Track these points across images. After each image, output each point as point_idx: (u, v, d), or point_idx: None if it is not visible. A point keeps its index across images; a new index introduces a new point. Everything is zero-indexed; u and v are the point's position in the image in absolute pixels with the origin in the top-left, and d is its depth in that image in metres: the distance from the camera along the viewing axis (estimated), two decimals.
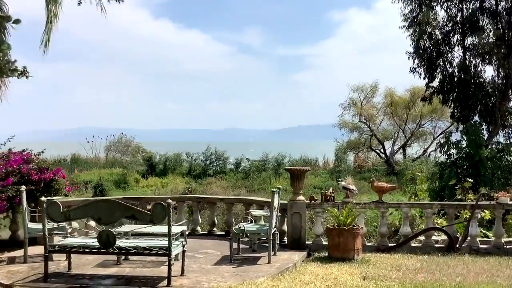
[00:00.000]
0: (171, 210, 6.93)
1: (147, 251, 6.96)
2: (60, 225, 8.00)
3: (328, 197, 9.63)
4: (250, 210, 9.88)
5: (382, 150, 43.92)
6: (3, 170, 9.10)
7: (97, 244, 6.94)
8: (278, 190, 8.77)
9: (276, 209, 8.58)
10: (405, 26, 20.42)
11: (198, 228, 10.84)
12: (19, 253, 8.58)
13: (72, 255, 7.61)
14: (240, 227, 8.40)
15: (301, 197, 9.55)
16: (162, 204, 6.86)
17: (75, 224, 9.72)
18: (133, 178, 37.29)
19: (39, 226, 7.97)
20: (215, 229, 10.79)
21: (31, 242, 8.47)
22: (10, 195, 8.96)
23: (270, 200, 8.57)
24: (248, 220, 9.16)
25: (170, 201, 6.88)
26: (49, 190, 9.75)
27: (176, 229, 7.62)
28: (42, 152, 10.41)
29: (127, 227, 8.09)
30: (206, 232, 10.79)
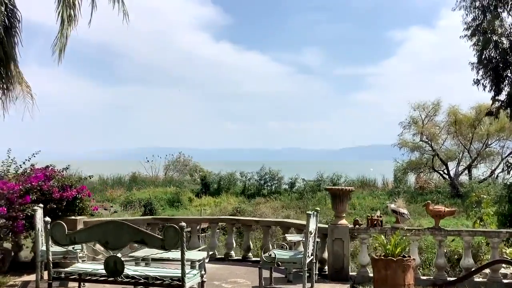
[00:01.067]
0: (185, 234, 5.99)
1: (159, 281, 6.03)
2: (75, 248, 7.27)
3: (375, 222, 8.37)
4: (286, 235, 8.77)
5: (445, 171, 41.40)
6: (20, 187, 8.53)
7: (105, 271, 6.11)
8: (315, 213, 7.65)
9: (312, 235, 7.47)
10: (467, 35, 18.70)
11: (232, 253, 9.84)
12: (34, 277, 7.91)
13: (86, 283, 6.82)
14: (270, 255, 7.34)
15: (343, 221, 8.36)
16: (175, 228, 5.94)
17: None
18: (186, 197, 36.95)
19: (56, 248, 7.26)
20: (250, 254, 9.75)
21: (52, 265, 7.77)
22: (29, 213, 8.34)
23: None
24: (283, 246, 8.07)
25: (183, 224, 5.93)
26: (72, 209, 9.11)
27: (194, 255, 6.67)
28: (67, 168, 9.82)
29: (143, 252, 7.24)
30: (241, 258, 9.78)
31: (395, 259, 7.06)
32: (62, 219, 8.78)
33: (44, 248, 7.71)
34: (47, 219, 6.50)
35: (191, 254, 7.16)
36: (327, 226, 8.50)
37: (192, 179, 51.56)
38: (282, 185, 41.78)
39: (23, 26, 8.55)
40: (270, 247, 9.48)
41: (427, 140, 41.54)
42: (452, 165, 41.01)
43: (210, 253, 9.67)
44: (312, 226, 7.45)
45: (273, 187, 41.67)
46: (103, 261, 6.23)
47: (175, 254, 6.54)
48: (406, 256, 7.31)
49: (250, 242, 9.78)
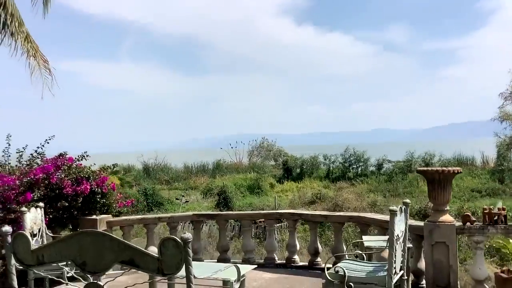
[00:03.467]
0: (190, 249, 3.69)
1: None
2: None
3: (496, 217, 5.55)
4: (363, 238, 6.15)
5: None
6: (16, 181, 6.70)
7: None
8: (403, 208, 5.04)
9: (401, 240, 4.88)
10: None
11: (296, 257, 7.46)
12: None
13: None
14: (337, 271, 4.85)
15: (447, 217, 5.64)
16: (175, 242, 3.65)
17: None
18: (267, 183, 34.91)
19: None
20: (318, 259, 7.30)
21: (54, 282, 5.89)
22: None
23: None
24: (358, 256, 5.54)
25: (188, 235, 3.62)
26: (93, 207, 7.18)
27: (228, 273, 4.37)
28: (85, 156, 7.88)
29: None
30: (307, 264, 7.36)
31: None
32: (80, 220, 6.92)
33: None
34: (6, 228, 4.50)
35: (226, 272, 4.88)
36: (422, 224, 5.82)
37: (276, 164, 49.71)
38: (368, 167, 38.55)
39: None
40: (344, 249, 6.98)
41: None
42: None
43: (269, 256, 7.38)
44: (400, 228, 4.86)
45: (359, 169, 38.57)
46: None
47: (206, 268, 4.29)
48: None
49: (319, 243, 7.32)
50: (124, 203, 7.61)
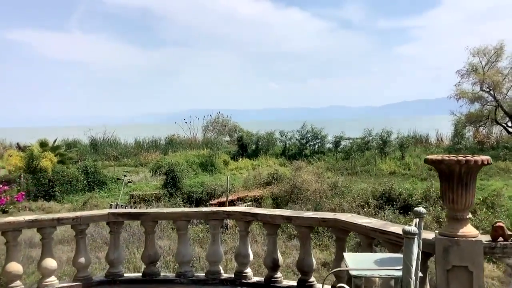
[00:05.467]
0: None
1: None
2: None
3: None
4: (345, 257, 4.09)
5: (510, 124, 35.84)
6: None
7: None
8: (418, 221, 3.14)
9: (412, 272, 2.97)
10: None
11: (248, 270, 5.50)
12: None
13: None
14: None
15: (469, 229, 3.77)
16: None
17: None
18: (221, 160, 32.85)
19: None
20: (278, 274, 5.35)
21: None
22: None
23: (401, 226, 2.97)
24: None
25: None
26: None
27: None
28: None
29: None
30: (262, 280, 5.41)
31: None
32: None
33: None
34: None
35: None
36: (431, 236, 3.94)
37: (231, 140, 47.76)
38: (325, 144, 37.15)
39: None
40: (314, 263, 5.06)
41: (488, 90, 35.86)
42: None
43: (212, 269, 5.40)
44: (415, 253, 2.95)
45: (316, 146, 37.11)
46: None
47: None
48: None
49: (279, 253, 5.37)
50: (9, 198, 5.34)
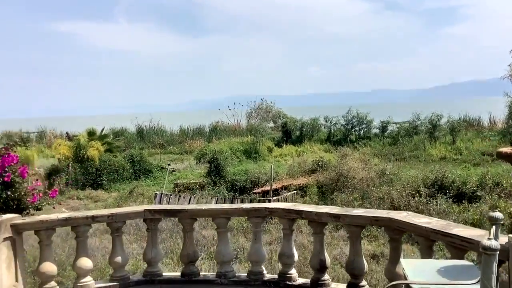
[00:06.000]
0: None
1: None
2: None
3: None
4: (402, 263, 3.59)
5: None
6: None
7: None
8: (494, 229, 2.60)
9: None
10: None
11: (292, 272, 5.07)
12: None
13: None
14: None
15: None
16: None
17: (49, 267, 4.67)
18: (265, 147, 32.47)
19: None
20: (325, 276, 4.90)
21: None
22: None
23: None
24: None
25: None
26: None
27: None
28: None
29: None
30: (309, 282, 4.97)
31: None
32: None
33: None
34: None
35: None
36: (504, 239, 3.37)
37: (275, 126, 47.36)
38: (371, 129, 36.09)
39: None
40: (365, 266, 4.59)
41: None
42: None
43: (254, 270, 5.03)
44: (495, 272, 2.42)
45: (362, 132, 36.11)
46: None
47: None
48: None
49: (326, 254, 4.91)
50: (40, 195, 5.10)
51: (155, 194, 17.23)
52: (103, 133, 29.12)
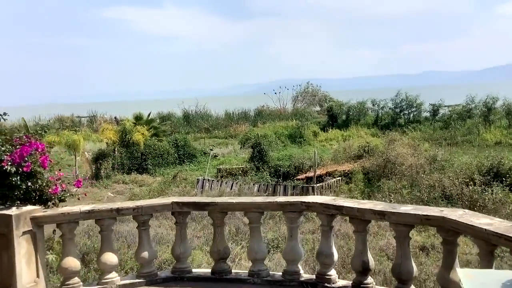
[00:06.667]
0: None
1: None
2: None
3: None
4: (458, 274, 3.07)
5: None
6: None
7: None
8: None
9: None
10: None
11: (332, 273, 4.57)
12: None
13: None
14: None
15: None
16: None
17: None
18: (311, 131, 31.79)
19: None
20: (369, 279, 4.38)
21: None
22: None
23: None
24: None
25: None
26: (11, 194, 4.45)
27: None
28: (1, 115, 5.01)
29: None
30: (350, 285, 4.46)
31: None
32: None
33: None
34: None
35: None
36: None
37: (321, 110, 46.49)
38: (421, 113, 34.58)
39: None
40: (414, 270, 4.03)
41: None
42: None
43: (290, 269, 4.59)
44: None
45: (411, 115, 34.67)
46: None
47: None
48: None
49: (370, 255, 4.38)
50: (63, 186, 4.80)
51: (197, 179, 17.06)
52: (149, 117, 29.32)
